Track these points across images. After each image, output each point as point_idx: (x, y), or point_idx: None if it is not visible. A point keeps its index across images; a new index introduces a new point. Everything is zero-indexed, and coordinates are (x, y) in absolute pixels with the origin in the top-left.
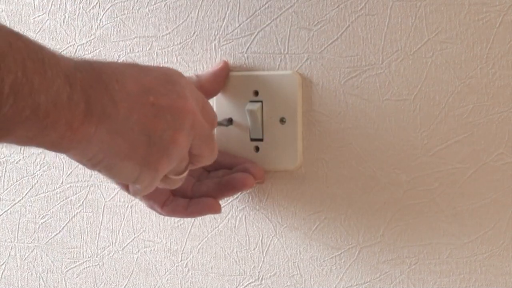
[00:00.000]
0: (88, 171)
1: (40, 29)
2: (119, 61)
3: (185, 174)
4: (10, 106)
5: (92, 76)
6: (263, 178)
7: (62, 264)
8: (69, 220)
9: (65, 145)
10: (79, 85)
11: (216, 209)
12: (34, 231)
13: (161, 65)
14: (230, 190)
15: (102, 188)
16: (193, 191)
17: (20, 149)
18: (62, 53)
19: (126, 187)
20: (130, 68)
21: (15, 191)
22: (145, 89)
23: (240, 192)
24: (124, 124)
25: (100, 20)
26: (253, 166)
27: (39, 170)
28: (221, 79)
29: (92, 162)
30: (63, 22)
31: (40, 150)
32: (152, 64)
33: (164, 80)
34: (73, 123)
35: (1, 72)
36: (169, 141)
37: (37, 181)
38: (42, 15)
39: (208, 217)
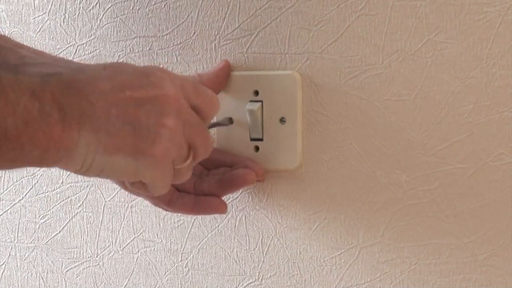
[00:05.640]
0: None
1: (40, 29)
2: (105, 62)
3: (189, 160)
4: None
5: (63, 84)
6: (264, 176)
7: (62, 264)
8: (69, 220)
9: (53, 157)
10: (49, 95)
11: (222, 210)
12: (34, 231)
13: (161, 65)
14: (231, 187)
15: (102, 188)
16: (195, 189)
17: None
18: (26, 71)
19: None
20: (104, 70)
21: (15, 191)
22: (119, 86)
23: (241, 189)
24: (105, 121)
25: (100, 20)
26: (254, 163)
27: (39, 170)
28: (223, 78)
29: (84, 168)
30: (63, 22)
31: None
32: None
33: (138, 75)
34: (53, 133)
35: None
36: (156, 125)
37: (37, 181)
38: (42, 15)
39: (208, 217)
